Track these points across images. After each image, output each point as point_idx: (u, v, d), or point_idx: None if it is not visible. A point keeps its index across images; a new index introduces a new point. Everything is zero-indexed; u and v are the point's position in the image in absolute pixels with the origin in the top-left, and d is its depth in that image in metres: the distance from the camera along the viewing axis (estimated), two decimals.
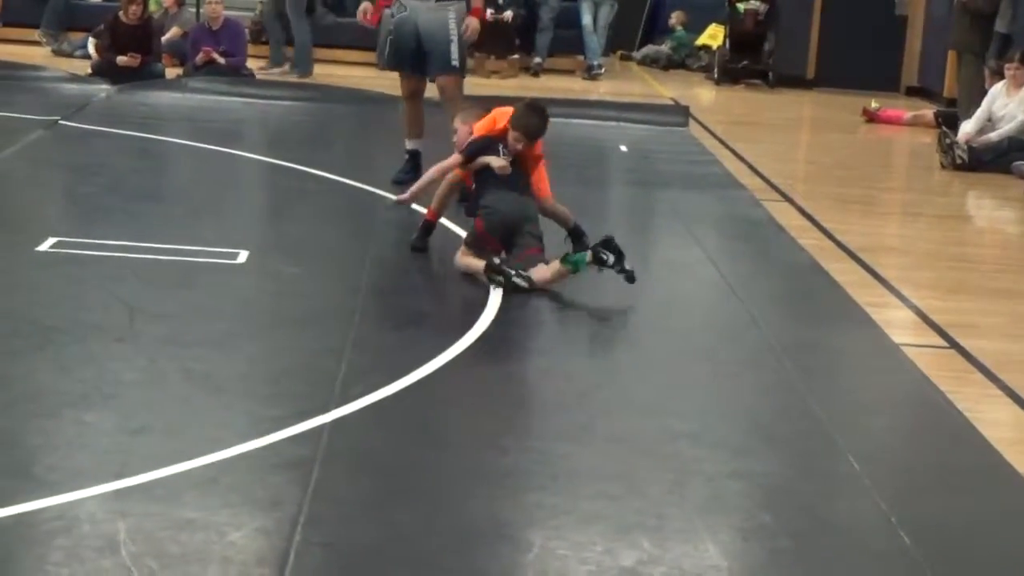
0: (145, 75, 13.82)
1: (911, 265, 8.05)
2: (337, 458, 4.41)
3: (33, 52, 15.92)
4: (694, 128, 13.25)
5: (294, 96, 13.62)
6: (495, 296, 6.38)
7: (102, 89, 13.28)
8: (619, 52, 19.85)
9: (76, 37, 16.26)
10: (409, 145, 9.14)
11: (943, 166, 11.67)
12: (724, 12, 18.24)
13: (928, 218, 9.79)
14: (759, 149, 12.13)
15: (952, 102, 14.88)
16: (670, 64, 19.40)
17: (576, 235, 7.31)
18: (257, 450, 4.40)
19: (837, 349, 6.20)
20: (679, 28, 19.76)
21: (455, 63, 8.89)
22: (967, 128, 11.95)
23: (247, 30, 15.91)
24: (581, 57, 17.63)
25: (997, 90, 12.08)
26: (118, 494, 3.98)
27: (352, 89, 14.02)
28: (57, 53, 16.17)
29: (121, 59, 13.80)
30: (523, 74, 17.15)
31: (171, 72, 14.56)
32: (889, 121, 14.66)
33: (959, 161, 11.51)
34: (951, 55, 15.42)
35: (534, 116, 7.02)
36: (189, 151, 10.42)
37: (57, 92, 13.10)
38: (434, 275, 7.03)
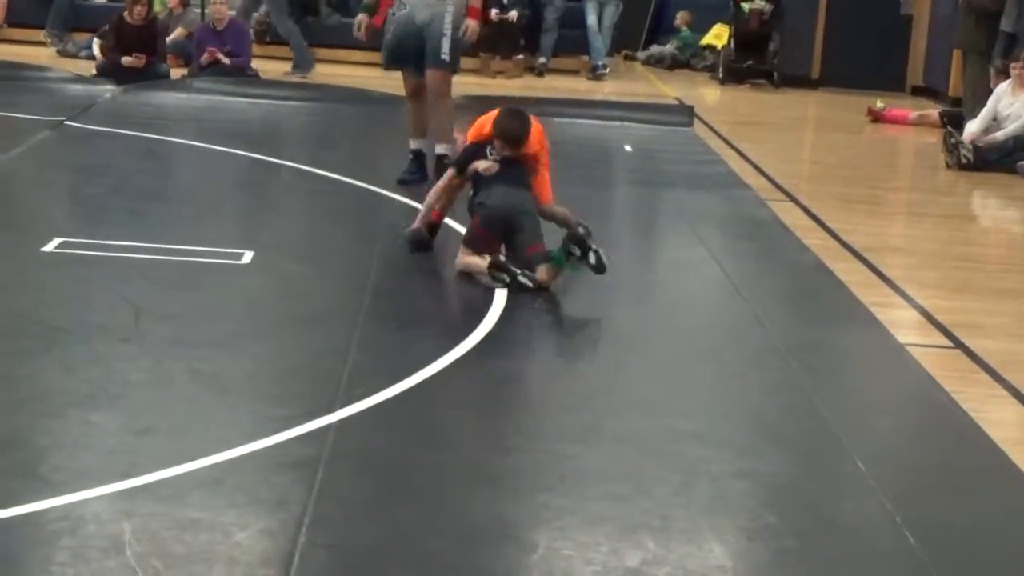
0: (150, 76, 13.83)
1: (916, 265, 8.05)
2: (342, 458, 4.41)
3: (38, 53, 15.94)
4: (699, 128, 13.24)
5: (299, 96, 13.63)
6: (500, 296, 6.39)
7: (107, 90, 13.29)
8: (624, 52, 19.85)
9: (81, 38, 16.27)
10: (413, 145, 9.15)
11: (948, 166, 11.66)
12: (729, 12, 18.24)
13: (933, 218, 9.78)
14: (764, 149, 12.13)
15: (957, 102, 14.86)
16: (675, 64, 19.40)
17: (575, 238, 7.29)
18: (262, 450, 4.40)
19: (842, 349, 6.20)
20: (684, 28, 19.76)
21: (444, 57, 8.83)
22: (972, 128, 11.94)
23: (252, 31, 15.92)
24: (586, 57, 17.64)
25: (1002, 89, 12.07)
26: (123, 494, 3.99)
27: (357, 89, 14.03)
28: (62, 54, 16.18)
29: (126, 60, 13.82)
30: (528, 74, 17.16)
31: (176, 72, 14.57)
32: (894, 121, 14.65)
33: (964, 161, 11.50)
34: (956, 54, 15.39)
35: (514, 121, 7.02)
36: (194, 151, 10.43)
37: (62, 93, 13.11)
38: (439, 275, 7.03)
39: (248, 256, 6.94)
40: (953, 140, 11.72)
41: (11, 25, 17.11)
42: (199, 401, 4.89)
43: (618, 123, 13.09)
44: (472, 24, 9.02)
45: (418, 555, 3.79)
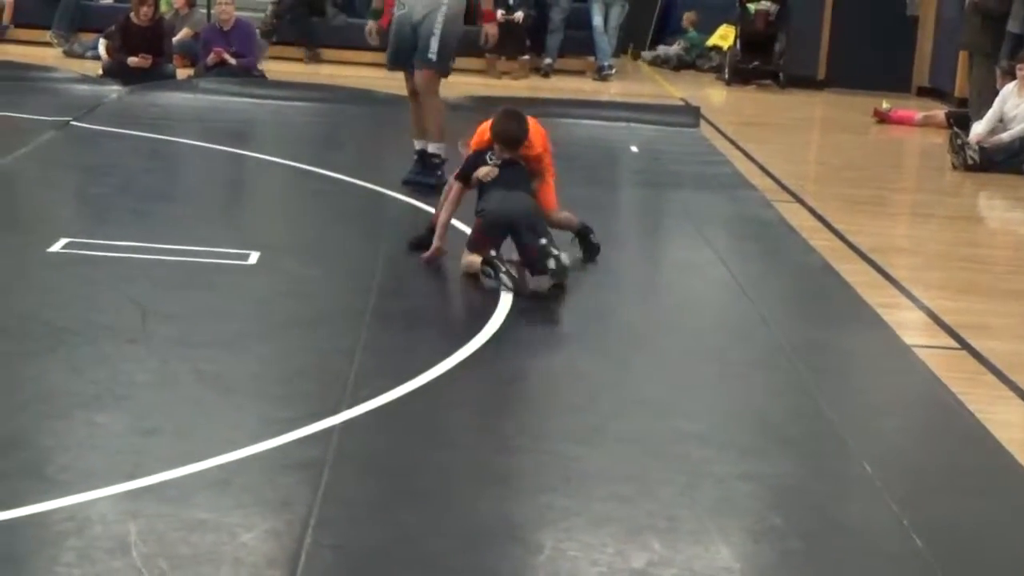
0: (156, 76, 13.85)
1: (922, 266, 8.04)
2: (348, 459, 4.41)
3: (44, 53, 15.96)
4: (705, 129, 13.24)
5: (305, 97, 13.63)
6: (505, 297, 6.38)
7: (113, 90, 13.31)
8: (630, 52, 19.84)
9: (87, 38, 16.29)
10: (417, 145, 9.14)
11: (954, 167, 11.65)
12: (735, 13, 18.23)
13: (939, 219, 9.78)
14: (770, 150, 12.12)
15: (963, 102, 14.85)
16: (681, 65, 19.39)
17: (582, 235, 7.30)
18: (268, 451, 4.40)
19: (848, 350, 6.19)
20: (690, 29, 19.76)
21: (431, 56, 8.74)
22: (978, 129, 11.93)
23: (258, 31, 15.93)
24: (592, 58, 17.63)
25: (1009, 90, 12.06)
26: (129, 495, 3.99)
27: (363, 90, 14.03)
28: (68, 54, 16.20)
29: (132, 60, 13.83)
30: (534, 75, 17.16)
31: (182, 73, 14.58)
32: (900, 122, 14.64)
33: (970, 162, 11.50)
34: (962, 55, 15.40)
35: (510, 122, 7.00)
36: (200, 152, 10.44)
37: (69, 93, 13.13)
38: (445, 276, 7.03)
39: (254, 257, 6.94)
40: (959, 141, 11.71)
41: (18, 26, 17.13)
42: (205, 402, 4.89)
43: (624, 124, 13.09)
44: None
45: (423, 556, 3.79)
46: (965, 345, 6.23)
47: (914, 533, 4.10)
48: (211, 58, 14.30)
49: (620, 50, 18.76)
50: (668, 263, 7.99)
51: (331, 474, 4.25)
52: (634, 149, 11.87)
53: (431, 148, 8.93)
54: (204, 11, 16.24)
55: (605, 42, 17.46)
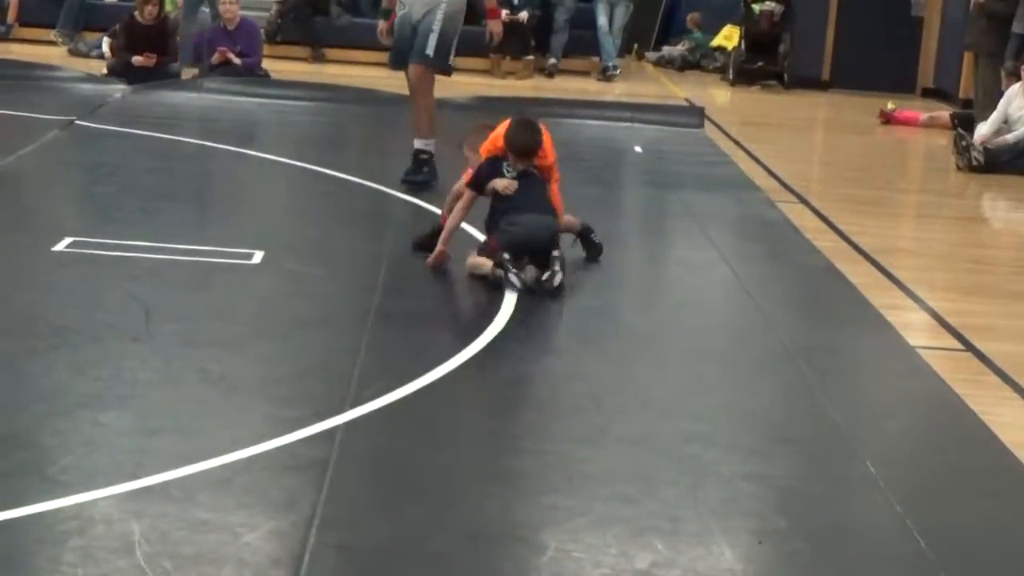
0: (160, 75, 13.84)
1: (927, 267, 8.04)
2: (351, 459, 4.41)
3: (49, 52, 15.95)
4: (709, 129, 13.23)
5: (309, 97, 13.62)
6: (510, 298, 6.38)
7: (118, 89, 13.31)
8: (634, 52, 19.84)
9: (92, 37, 16.29)
10: (417, 144, 9.13)
11: (959, 168, 11.64)
12: (739, 13, 18.23)
13: (944, 220, 9.77)
14: (774, 150, 12.12)
15: (968, 104, 14.84)
16: (685, 65, 19.38)
17: (583, 235, 7.28)
18: (272, 451, 4.40)
19: (852, 351, 6.19)
20: (695, 30, 19.75)
21: (428, 52, 8.72)
22: (983, 130, 11.93)
23: (262, 30, 15.93)
24: (596, 58, 17.63)
25: (1014, 92, 12.05)
26: (133, 494, 3.99)
27: (367, 90, 14.03)
28: (73, 53, 16.20)
29: (137, 59, 13.83)
30: (538, 75, 17.15)
31: (186, 72, 14.58)
32: (905, 123, 14.63)
33: (975, 163, 11.49)
34: (967, 57, 15.38)
35: (524, 132, 6.91)
36: (204, 151, 10.43)
37: (73, 92, 13.12)
38: (449, 277, 7.03)
39: (258, 256, 6.94)
40: (964, 142, 11.70)
41: (22, 24, 17.13)
42: (209, 401, 4.89)
43: (628, 124, 13.08)
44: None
45: (427, 556, 3.79)
46: (969, 347, 6.23)
47: (918, 534, 4.10)
48: (216, 58, 14.30)
49: (624, 50, 18.76)
50: (672, 263, 7.99)
51: (335, 474, 4.25)
52: (638, 149, 11.86)
53: (417, 143, 8.92)
54: (208, 10, 16.20)
55: (609, 42, 17.45)
